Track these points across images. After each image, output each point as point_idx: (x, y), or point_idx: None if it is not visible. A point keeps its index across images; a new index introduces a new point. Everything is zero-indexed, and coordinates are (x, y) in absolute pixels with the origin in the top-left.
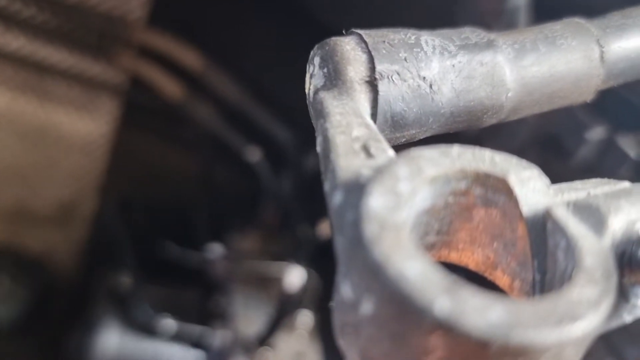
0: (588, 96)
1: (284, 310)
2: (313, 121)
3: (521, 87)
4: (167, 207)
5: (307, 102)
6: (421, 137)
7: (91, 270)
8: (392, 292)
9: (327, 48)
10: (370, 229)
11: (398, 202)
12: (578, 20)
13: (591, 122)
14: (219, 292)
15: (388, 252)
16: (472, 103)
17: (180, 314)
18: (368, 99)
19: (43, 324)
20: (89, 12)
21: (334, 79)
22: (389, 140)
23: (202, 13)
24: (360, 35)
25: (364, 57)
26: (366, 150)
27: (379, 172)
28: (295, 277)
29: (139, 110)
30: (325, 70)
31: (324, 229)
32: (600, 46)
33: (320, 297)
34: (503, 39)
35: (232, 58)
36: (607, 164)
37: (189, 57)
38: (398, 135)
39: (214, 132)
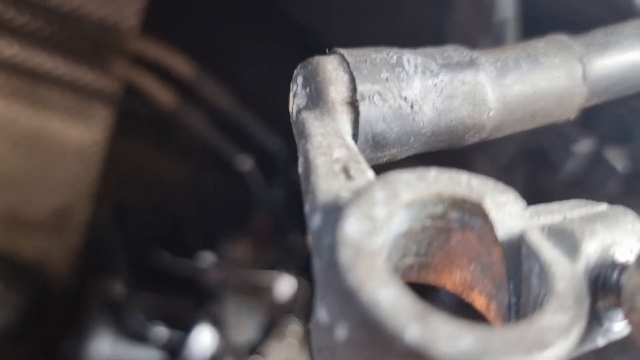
0: (571, 114)
1: (274, 318)
2: (296, 140)
3: (503, 105)
4: (159, 215)
5: (291, 120)
6: (403, 156)
7: (85, 276)
8: (365, 318)
9: (309, 68)
10: (345, 255)
11: (374, 227)
12: (561, 38)
13: (578, 135)
14: (210, 299)
15: (362, 279)
16: (453, 122)
17: (172, 322)
18: (349, 119)
19: (37, 330)
20: (83, 19)
21: (316, 99)
22: (371, 160)
23: (195, 22)
24: (342, 55)
25: (345, 77)
26: (346, 171)
27: (356, 196)
28: (286, 286)
29: (132, 117)
30: (307, 90)
31: None
32: (583, 64)
33: (311, 306)
34: (486, 57)
35: (225, 67)
36: (594, 177)
37: (182, 66)
38: (379, 154)
39: (206, 140)
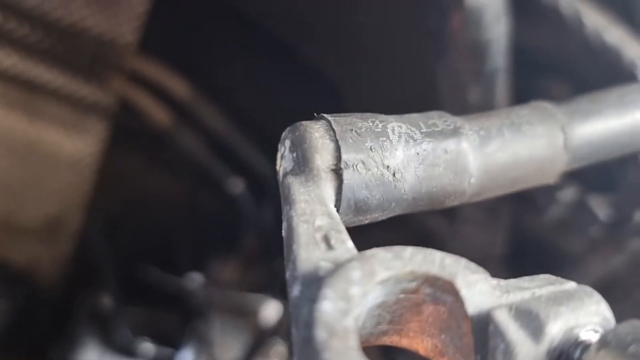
0: (551, 179)
1: (259, 339)
2: (282, 203)
3: (484, 173)
4: (150, 231)
5: (278, 180)
6: (383, 219)
7: (73, 287)
8: None
9: (297, 133)
10: (320, 335)
11: (349, 307)
12: (545, 105)
13: (563, 183)
14: (197, 318)
15: (335, 359)
16: (434, 189)
17: (158, 338)
18: (333, 186)
19: (23, 337)
20: (82, 34)
21: (302, 165)
22: (352, 223)
23: (192, 44)
24: (329, 123)
25: (331, 145)
26: (327, 241)
27: (334, 273)
28: (271, 310)
29: (127, 133)
30: (294, 154)
31: None
32: (565, 133)
33: None
34: (470, 125)
35: (220, 90)
36: (577, 224)
37: (178, 86)
38: (361, 218)
39: (198, 160)
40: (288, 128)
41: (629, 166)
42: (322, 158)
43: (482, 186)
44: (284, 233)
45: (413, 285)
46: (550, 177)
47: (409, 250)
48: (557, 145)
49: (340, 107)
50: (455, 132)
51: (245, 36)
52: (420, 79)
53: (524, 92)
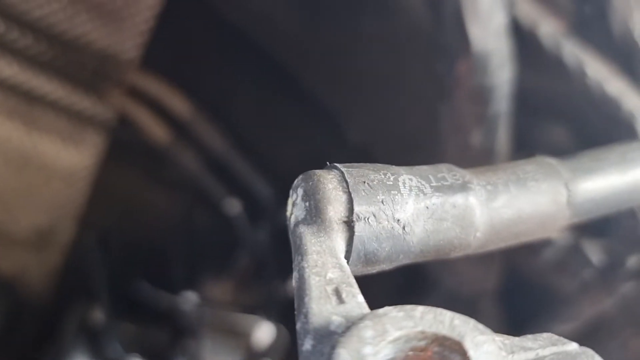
0: (553, 234)
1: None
2: (292, 251)
3: (490, 227)
4: (144, 246)
5: (287, 227)
6: (390, 269)
7: (62, 299)
8: None
9: (310, 183)
10: None
11: None
12: (550, 161)
13: None
14: (188, 336)
15: None
16: (441, 242)
17: (149, 354)
18: (344, 237)
19: (9, 347)
20: (84, 47)
21: (314, 215)
22: (360, 273)
23: (195, 63)
24: (342, 174)
25: (344, 197)
26: (338, 294)
27: (347, 332)
28: (264, 332)
29: (124, 147)
30: (307, 204)
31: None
32: (568, 190)
33: (289, 352)
34: (477, 179)
35: (220, 110)
36: (570, 267)
37: (178, 104)
38: (369, 268)
39: (195, 179)
40: (301, 176)
41: (623, 214)
42: (335, 209)
43: (486, 239)
44: (294, 283)
45: (422, 343)
46: (552, 231)
47: (419, 310)
48: (560, 202)
49: (339, 133)
50: (463, 187)
51: (248, 58)
52: (422, 114)
53: (525, 134)
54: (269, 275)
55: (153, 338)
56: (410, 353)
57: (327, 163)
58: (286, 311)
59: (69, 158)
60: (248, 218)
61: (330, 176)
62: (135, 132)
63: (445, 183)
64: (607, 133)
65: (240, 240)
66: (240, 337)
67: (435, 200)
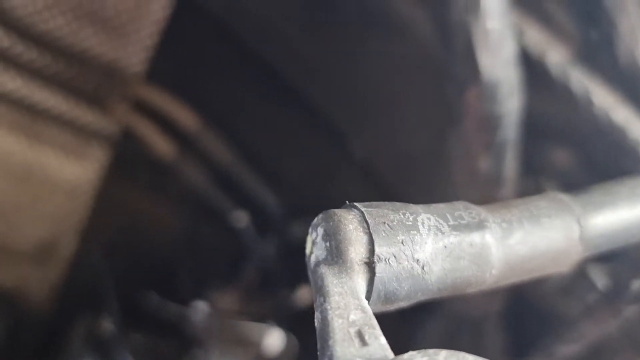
0: (565, 269)
1: None
2: (312, 291)
3: (504, 264)
4: (150, 259)
5: (307, 266)
6: (407, 307)
7: (67, 312)
8: None
9: (331, 223)
10: None
11: None
12: (562, 197)
13: None
14: (196, 346)
15: None
16: (458, 280)
17: None
18: (365, 278)
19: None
20: (89, 62)
21: (336, 256)
22: (379, 310)
23: (202, 77)
24: (363, 214)
25: (365, 238)
26: (361, 336)
27: None
28: (274, 340)
29: (129, 161)
30: (328, 244)
31: (303, 295)
32: (581, 226)
33: None
34: (493, 217)
35: (227, 123)
36: (575, 291)
37: (185, 117)
38: (388, 307)
39: (202, 192)
40: (320, 215)
41: None
42: (356, 251)
43: (501, 276)
44: (317, 324)
45: None
46: (564, 266)
47: (442, 354)
48: (573, 237)
49: (345, 147)
50: (480, 225)
51: (254, 72)
52: (429, 136)
53: (532, 159)
54: (277, 285)
55: (162, 348)
56: None
57: (347, 202)
58: (295, 319)
59: (72, 172)
60: (256, 230)
61: (351, 216)
62: (140, 146)
63: (462, 222)
64: (613, 160)
65: (248, 252)
66: (250, 345)
67: (453, 239)
